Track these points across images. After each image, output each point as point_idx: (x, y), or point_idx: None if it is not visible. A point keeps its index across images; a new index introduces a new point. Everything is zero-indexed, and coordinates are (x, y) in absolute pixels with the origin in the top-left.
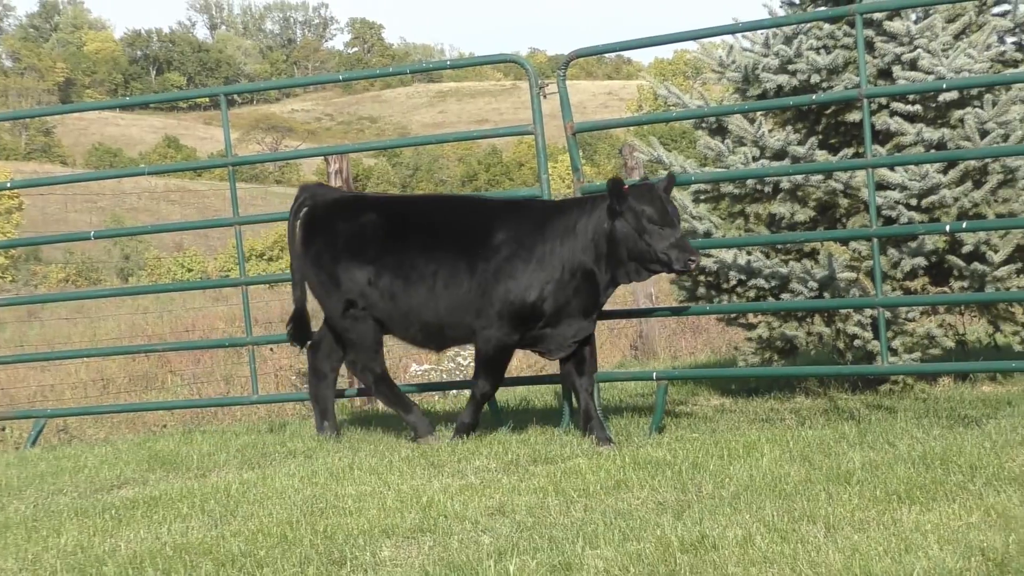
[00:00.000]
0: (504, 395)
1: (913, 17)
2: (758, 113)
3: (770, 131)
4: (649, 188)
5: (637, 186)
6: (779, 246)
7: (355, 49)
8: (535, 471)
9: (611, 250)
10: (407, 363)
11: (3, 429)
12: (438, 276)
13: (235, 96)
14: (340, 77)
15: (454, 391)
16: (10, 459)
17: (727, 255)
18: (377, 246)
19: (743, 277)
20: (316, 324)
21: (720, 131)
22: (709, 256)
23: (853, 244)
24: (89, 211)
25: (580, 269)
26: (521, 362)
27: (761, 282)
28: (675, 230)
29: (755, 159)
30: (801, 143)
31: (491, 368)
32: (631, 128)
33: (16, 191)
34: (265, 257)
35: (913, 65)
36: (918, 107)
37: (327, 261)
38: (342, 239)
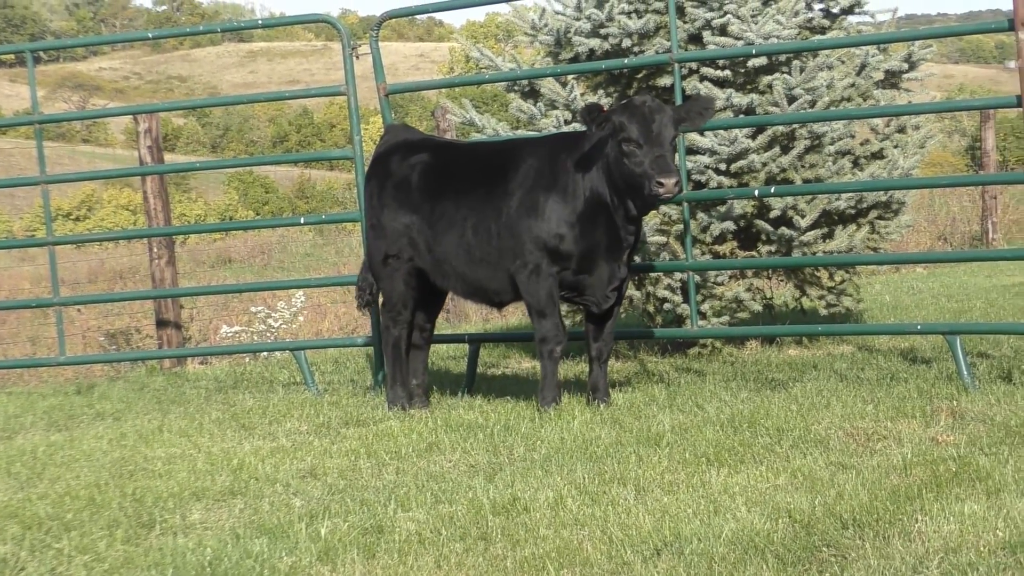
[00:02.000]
0: (316, 357)
1: None
2: (570, 76)
3: (582, 95)
4: (632, 104)
5: (623, 103)
6: None
7: (164, 7)
8: (347, 433)
9: (611, 178)
10: (217, 324)
11: None
12: (467, 223)
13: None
14: (150, 35)
15: (264, 353)
16: None
17: None
18: (419, 193)
19: None
20: None
21: (533, 94)
22: None
23: (663, 208)
24: None
25: (598, 201)
26: (332, 324)
27: None
28: (655, 147)
29: (567, 123)
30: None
31: (543, 310)
32: (443, 90)
33: None
34: (72, 217)
35: (723, 31)
36: (728, 72)
37: (375, 206)
38: (390, 185)
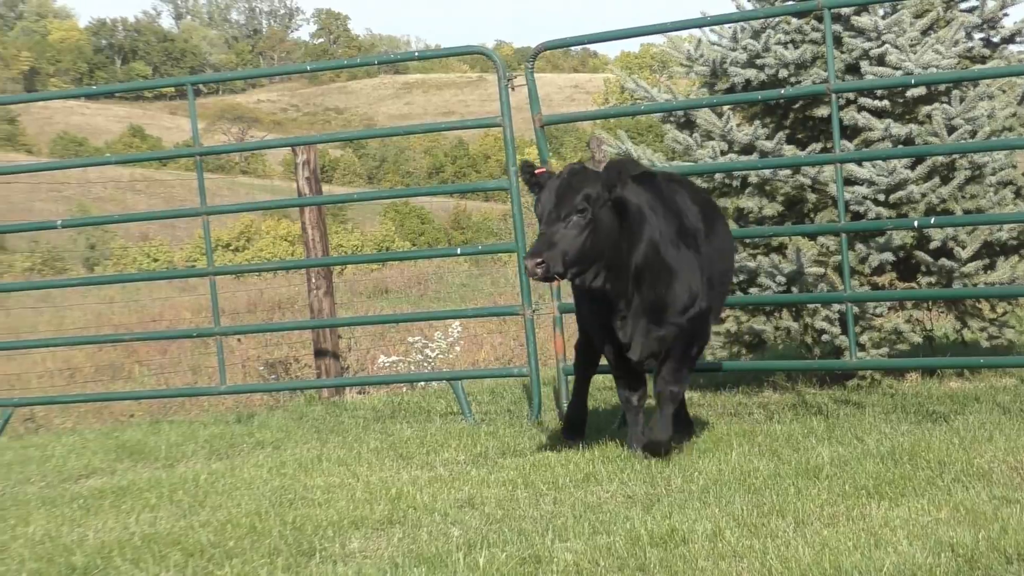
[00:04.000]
0: (472, 387)
1: (881, 12)
2: (726, 107)
3: (738, 125)
4: (551, 175)
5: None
6: (747, 240)
7: (321, 40)
8: (504, 463)
9: None
10: (375, 354)
11: None
12: None
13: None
14: (307, 67)
15: (421, 383)
16: None
17: None
18: None
19: None
20: None
21: (688, 125)
22: None
23: (821, 239)
24: (55, 200)
25: None
26: (488, 355)
27: None
28: (545, 225)
29: (723, 153)
30: (769, 138)
31: None
32: (598, 121)
33: None
34: (231, 248)
35: (881, 60)
36: (886, 102)
37: None
38: None
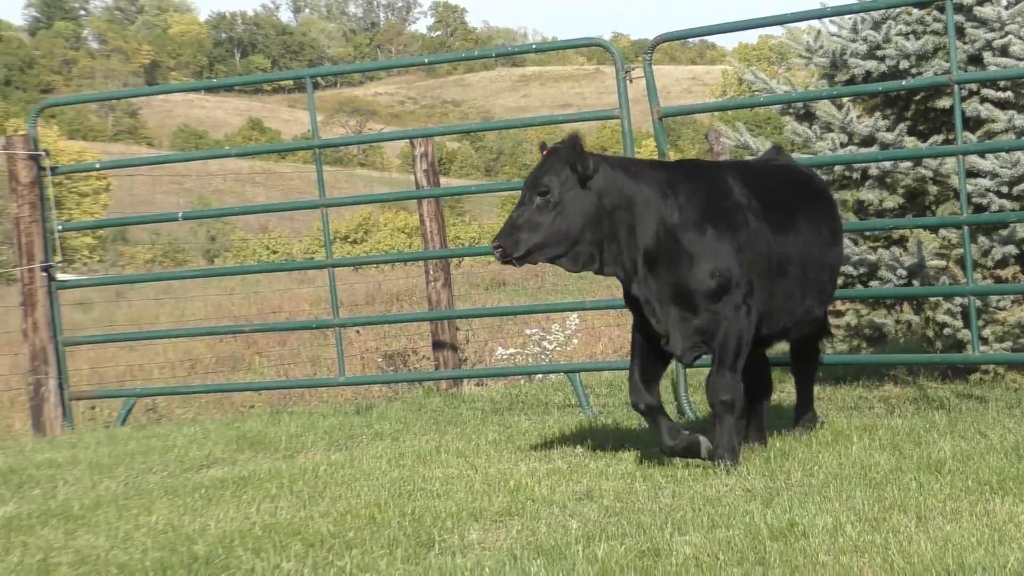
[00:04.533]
0: (590, 379)
1: (1004, 2)
2: (846, 99)
3: (858, 117)
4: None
5: None
6: (867, 233)
7: (438, 33)
8: (622, 456)
9: None
10: (492, 346)
11: (93, 408)
12: None
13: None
14: (426, 60)
15: (539, 375)
16: (100, 438)
17: None
18: None
19: None
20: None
21: (808, 117)
22: None
23: (943, 232)
24: (175, 192)
25: None
26: (606, 347)
27: (849, 269)
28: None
29: (843, 145)
30: (890, 129)
31: None
32: (716, 113)
33: (103, 172)
34: (349, 240)
35: (1004, 51)
36: (1009, 94)
37: None
38: None
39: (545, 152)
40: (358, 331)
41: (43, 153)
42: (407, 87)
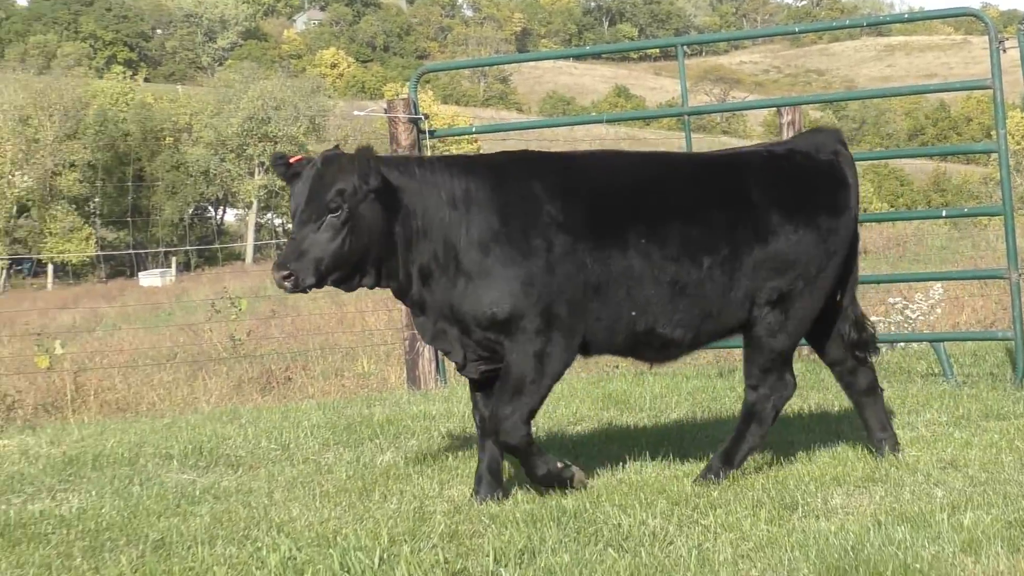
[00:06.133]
0: (953, 349)
1: None
2: None
3: None
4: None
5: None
6: None
7: (803, 2)
8: (987, 426)
9: None
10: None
11: None
12: None
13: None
14: (795, 29)
15: (901, 343)
16: None
17: None
18: None
19: None
20: None
21: None
22: None
23: None
24: None
25: None
26: (969, 317)
27: None
28: (296, 227)
29: None
30: None
31: None
32: None
33: (475, 135)
34: None
35: None
36: None
37: None
38: None
39: (314, 163)
40: None
41: (422, 117)
42: (771, 56)
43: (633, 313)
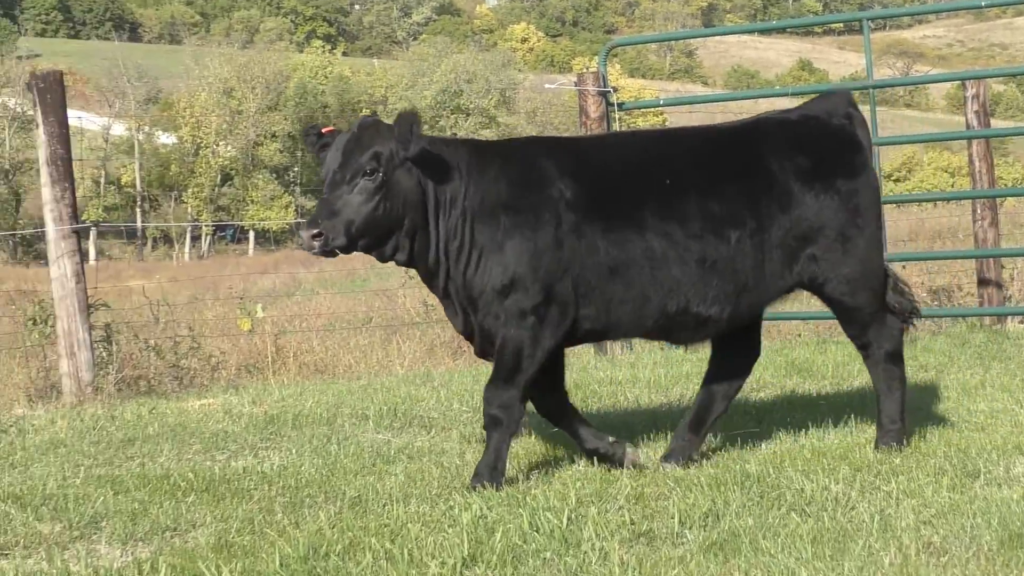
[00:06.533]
0: None
1: None
2: None
3: None
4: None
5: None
6: None
7: None
8: None
9: None
10: None
11: None
12: None
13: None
14: (982, 3)
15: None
16: (657, 359)
17: None
18: None
19: None
20: None
21: None
22: None
23: None
24: None
25: None
26: None
27: None
28: (327, 189)
29: None
30: None
31: None
32: None
33: (662, 108)
34: (893, 178)
35: None
36: None
37: None
38: None
39: (358, 126)
40: (904, 266)
41: (612, 90)
42: (955, 30)
43: (662, 294)
